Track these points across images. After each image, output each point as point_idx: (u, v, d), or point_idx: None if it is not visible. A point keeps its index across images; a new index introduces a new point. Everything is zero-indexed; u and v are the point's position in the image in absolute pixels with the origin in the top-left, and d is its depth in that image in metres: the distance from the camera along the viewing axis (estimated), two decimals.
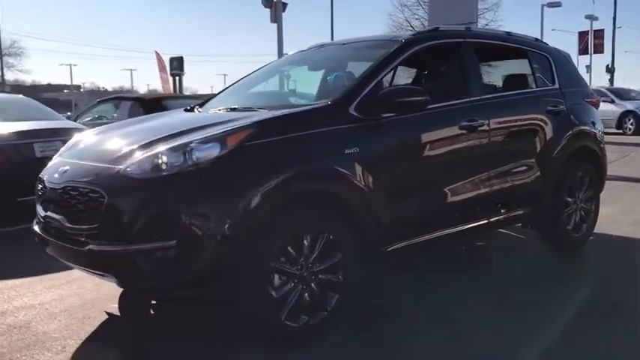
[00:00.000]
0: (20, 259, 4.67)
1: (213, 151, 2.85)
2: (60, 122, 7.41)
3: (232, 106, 3.84)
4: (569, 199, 4.67)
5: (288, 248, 2.96)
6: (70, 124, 7.52)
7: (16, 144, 6.30)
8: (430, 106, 3.58)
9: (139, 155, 2.95)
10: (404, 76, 4.65)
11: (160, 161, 2.85)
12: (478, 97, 4.00)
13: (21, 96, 8.46)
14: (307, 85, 4.67)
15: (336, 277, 3.15)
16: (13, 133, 6.39)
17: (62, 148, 3.74)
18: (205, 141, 2.90)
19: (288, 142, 3.02)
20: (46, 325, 3.45)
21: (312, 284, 3.07)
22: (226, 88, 4.55)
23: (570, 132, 4.58)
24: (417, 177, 3.56)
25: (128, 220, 2.75)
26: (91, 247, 2.84)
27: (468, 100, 3.94)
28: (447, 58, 4.33)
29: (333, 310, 3.13)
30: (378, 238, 3.31)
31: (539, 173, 4.31)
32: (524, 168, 4.26)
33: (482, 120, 3.89)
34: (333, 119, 3.24)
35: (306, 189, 3.04)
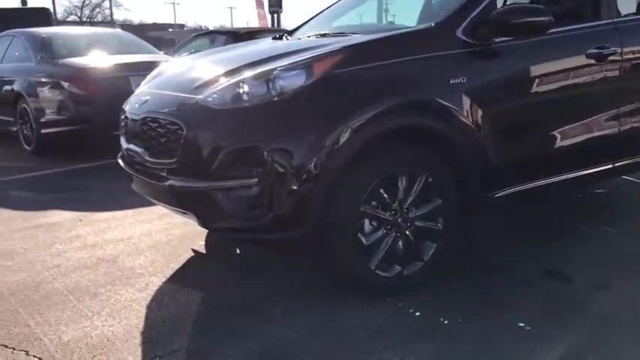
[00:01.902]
0: (114, 192, 4.69)
1: (299, 80, 2.54)
2: (155, 56, 7.41)
3: (323, 32, 3.48)
4: None
5: (381, 191, 2.65)
6: (165, 57, 7.48)
7: (113, 77, 6.33)
8: (552, 30, 3.04)
9: (220, 84, 2.70)
10: None
11: (241, 91, 2.58)
12: (611, 20, 3.38)
13: (119, 30, 8.53)
14: (404, 9, 4.19)
15: (434, 225, 2.81)
16: (110, 66, 6.44)
17: (146, 78, 3.57)
18: (290, 68, 2.59)
19: (383, 70, 2.65)
20: (132, 261, 3.39)
21: (407, 232, 2.75)
22: (318, 14, 4.18)
23: None
24: (532, 113, 3.07)
25: (207, 155, 2.53)
26: (170, 182, 2.66)
27: (598, 23, 3.34)
28: None
29: (430, 261, 2.81)
30: (484, 182, 2.91)
31: None
32: None
33: (615, 47, 3.29)
34: (437, 44, 2.82)
35: (402, 124, 2.67)
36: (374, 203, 2.66)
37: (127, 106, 3.20)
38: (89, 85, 6.26)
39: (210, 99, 2.64)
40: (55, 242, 3.76)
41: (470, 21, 2.86)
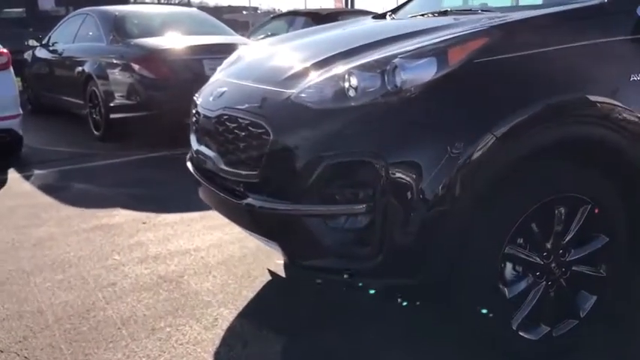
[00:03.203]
0: (184, 187, 4.15)
1: (428, 71, 1.85)
2: (232, 37, 6.88)
3: (443, 9, 2.77)
4: None
5: (532, 226, 1.94)
6: (243, 40, 6.95)
7: (185, 59, 5.85)
8: None
9: (318, 75, 2.06)
10: None
11: (346, 85, 1.93)
12: None
13: (194, 9, 8.05)
14: None
15: (596, 271, 2.08)
16: (183, 47, 5.96)
17: (223, 64, 2.98)
18: (415, 55, 1.91)
19: (540, 61, 1.92)
20: (199, 282, 2.83)
21: (562, 280, 2.03)
22: None
23: None
24: None
25: (300, 170, 1.90)
26: (250, 201, 2.05)
27: None
28: None
29: (587, 318, 2.09)
30: None
31: None
32: None
33: None
34: (611, 26, 2.06)
35: (565, 134, 1.94)
36: (521, 241, 1.96)
37: (199, 98, 2.61)
38: (160, 68, 5.78)
39: (304, 95, 2.00)
40: (114, 251, 3.26)
41: None
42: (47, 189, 4.58)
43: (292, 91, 2.03)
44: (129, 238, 3.45)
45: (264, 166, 1.99)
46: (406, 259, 1.84)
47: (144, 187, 4.58)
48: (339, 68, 2.02)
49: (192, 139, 2.63)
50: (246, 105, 2.16)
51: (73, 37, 7.22)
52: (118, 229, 3.61)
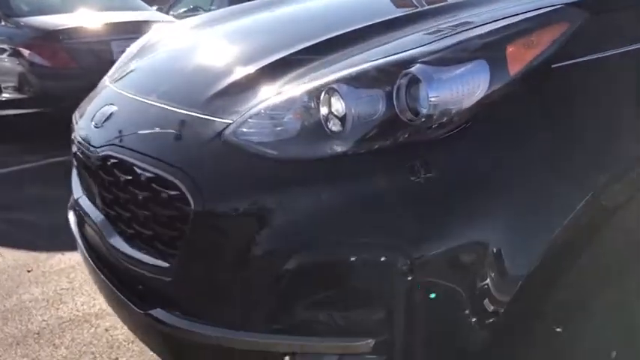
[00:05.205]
0: None
1: (477, 85, 1.02)
2: (147, 14, 5.94)
3: None
4: None
5: None
6: (160, 16, 6.00)
7: (89, 42, 4.95)
8: None
9: (272, 90, 1.19)
10: None
11: (324, 111, 1.06)
12: None
13: None
14: None
15: None
16: (85, 27, 5.04)
17: (120, 58, 2.05)
18: (450, 57, 1.05)
19: None
20: None
21: None
22: None
23: None
24: None
25: (247, 271, 1.04)
26: (156, 313, 1.17)
27: None
28: None
29: None
30: None
31: None
32: None
33: None
34: None
35: None
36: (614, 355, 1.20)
37: (77, 120, 1.68)
38: (57, 54, 4.85)
39: (248, 129, 1.11)
40: None
41: None
42: None
43: (227, 122, 1.14)
44: (4, 300, 2.50)
45: (183, 256, 1.12)
46: None
47: (35, 210, 3.56)
48: (309, 79, 1.15)
49: (74, 180, 1.71)
50: (148, 143, 1.26)
51: None
52: None
